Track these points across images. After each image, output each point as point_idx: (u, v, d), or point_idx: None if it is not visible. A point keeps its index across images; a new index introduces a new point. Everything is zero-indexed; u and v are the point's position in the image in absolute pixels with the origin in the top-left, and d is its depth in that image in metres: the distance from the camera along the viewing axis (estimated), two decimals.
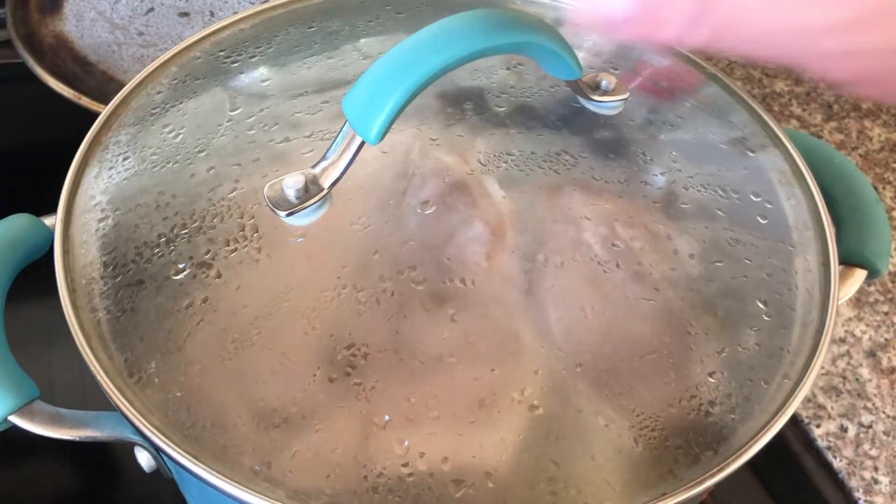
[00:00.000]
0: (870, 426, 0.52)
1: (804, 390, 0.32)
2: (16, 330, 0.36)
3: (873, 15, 0.27)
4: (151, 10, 0.66)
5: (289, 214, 0.33)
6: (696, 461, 0.31)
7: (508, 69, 0.42)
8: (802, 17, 0.27)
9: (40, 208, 0.39)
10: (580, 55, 0.37)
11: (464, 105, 0.39)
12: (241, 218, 0.34)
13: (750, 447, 0.31)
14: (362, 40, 0.44)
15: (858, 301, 0.58)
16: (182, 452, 0.29)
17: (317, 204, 0.33)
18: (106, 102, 0.54)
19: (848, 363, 0.55)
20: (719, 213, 0.37)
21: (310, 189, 0.33)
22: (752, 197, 0.38)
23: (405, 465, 0.29)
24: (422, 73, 0.30)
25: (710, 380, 0.32)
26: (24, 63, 0.60)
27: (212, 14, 0.66)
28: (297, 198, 0.33)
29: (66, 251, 0.35)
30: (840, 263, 0.40)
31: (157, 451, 0.35)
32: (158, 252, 0.34)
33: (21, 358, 0.35)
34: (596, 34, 0.33)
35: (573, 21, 0.31)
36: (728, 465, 0.30)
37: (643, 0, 0.29)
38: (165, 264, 0.33)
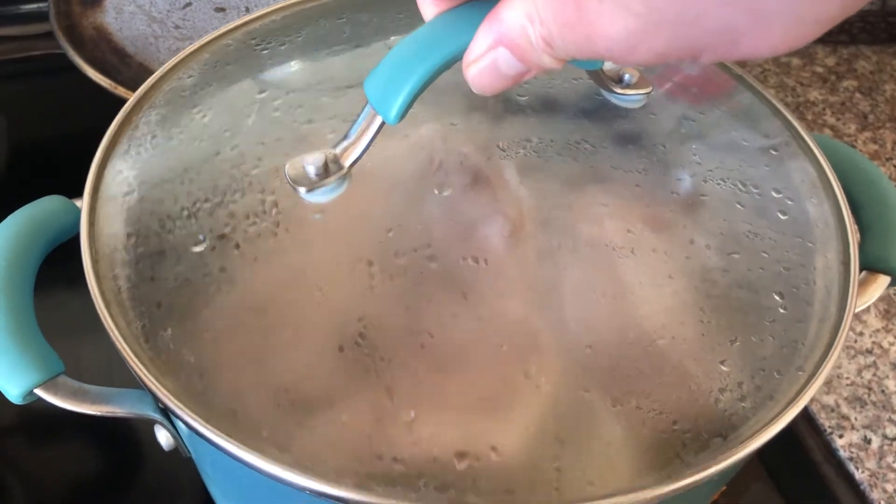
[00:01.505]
0: (894, 439, 0.51)
1: (818, 383, 0.32)
2: (47, 316, 0.37)
3: None
4: (189, 4, 0.68)
5: (308, 191, 0.33)
6: (705, 447, 0.30)
7: None
8: None
9: (76, 192, 0.40)
10: None
11: None
12: (262, 193, 0.35)
13: (759, 436, 0.30)
14: (391, 35, 0.45)
15: (887, 312, 0.57)
16: (193, 416, 0.29)
17: (336, 182, 0.33)
18: None
19: (874, 374, 0.54)
20: (738, 206, 0.37)
21: (330, 168, 0.33)
22: (773, 193, 0.38)
23: (410, 434, 0.29)
24: (441, 56, 0.30)
25: (722, 367, 0.32)
26: (64, 54, 0.62)
27: (247, 9, 0.68)
28: (317, 175, 0.33)
29: (91, 223, 0.36)
30: (864, 269, 0.40)
31: (172, 425, 0.36)
32: (180, 224, 0.34)
33: (50, 343, 0.36)
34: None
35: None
36: (736, 452, 0.30)
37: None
38: (186, 236, 0.34)
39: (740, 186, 0.38)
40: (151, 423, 0.36)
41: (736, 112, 0.43)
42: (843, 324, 0.34)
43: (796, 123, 0.42)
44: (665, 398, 0.31)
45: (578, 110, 0.40)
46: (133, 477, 0.51)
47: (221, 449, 0.29)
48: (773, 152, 0.41)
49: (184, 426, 0.31)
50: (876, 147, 0.68)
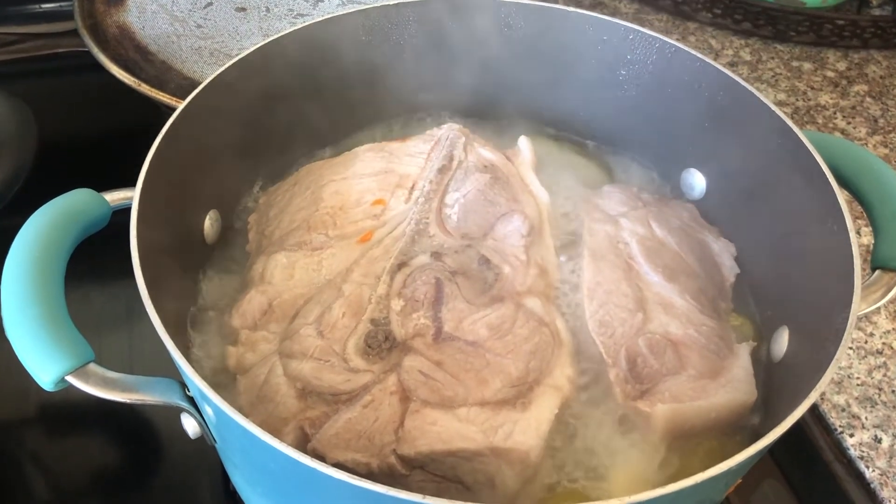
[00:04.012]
0: None
1: (826, 379, 0.32)
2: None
3: None
4: (210, 4, 0.69)
5: None
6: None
7: None
8: None
9: (101, 185, 0.40)
10: None
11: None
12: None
13: (771, 434, 0.31)
14: None
15: None
16: (227, 405, 0.30)
17: None
18: (164, 90, 0.57)
19: (884, 375, 0.55)
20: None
21: None
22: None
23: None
24: None
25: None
26: (89, 51, 0.63)
27: (267, 9, 0.68)
28: None
29: (142, 216, 0.36)
30: (877, 268, 0.40)
31: (199, 413, 0.36)
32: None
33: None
34: None
35: None
36: (749, 449, 0.30)
37: None
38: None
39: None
40: (177, 411, 0.36)
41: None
42: (849, 322, 0.35)
43: (792, 125, 0.42)
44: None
45: None
46: (150, 469, 0.51)
47: (253, 437, 0.29)
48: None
49: (212, 414, 0.31)
50: (886, 151, 0.68)
